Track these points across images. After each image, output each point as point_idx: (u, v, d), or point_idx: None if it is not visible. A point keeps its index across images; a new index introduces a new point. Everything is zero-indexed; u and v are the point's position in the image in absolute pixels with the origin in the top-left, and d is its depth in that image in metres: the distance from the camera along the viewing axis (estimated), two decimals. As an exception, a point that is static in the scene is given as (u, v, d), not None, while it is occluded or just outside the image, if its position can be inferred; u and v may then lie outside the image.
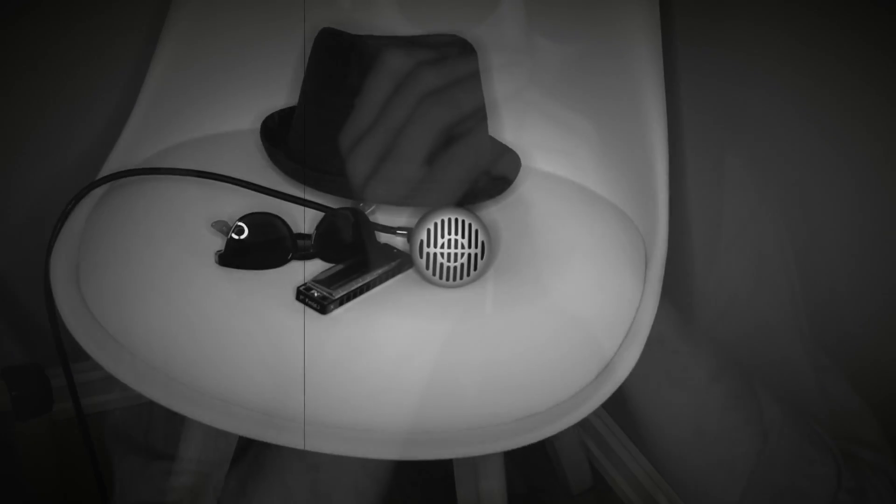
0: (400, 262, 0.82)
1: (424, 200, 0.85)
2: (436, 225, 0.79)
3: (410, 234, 0.81)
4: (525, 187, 0.94)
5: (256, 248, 0.81)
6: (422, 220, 0.80)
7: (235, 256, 0.80)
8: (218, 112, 1.00)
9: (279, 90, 1.00)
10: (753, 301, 0.89)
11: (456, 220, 0.79)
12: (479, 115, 0.88)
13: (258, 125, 0.96)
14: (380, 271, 0.81)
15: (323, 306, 0.76)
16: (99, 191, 0.88)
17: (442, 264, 0.79)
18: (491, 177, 0.89)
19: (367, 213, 0.86)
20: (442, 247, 0.79)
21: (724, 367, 0.83)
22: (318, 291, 0.77)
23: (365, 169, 0.83)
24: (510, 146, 0.97)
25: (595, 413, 0.80)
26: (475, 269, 0.79)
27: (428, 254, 0.79)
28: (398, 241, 0.86)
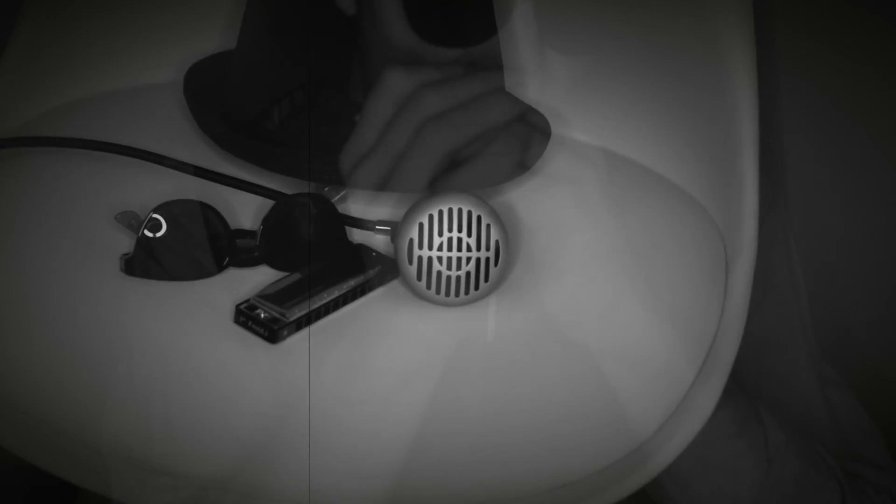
0: (380, 269, 0.82)
1: (415, 182, 0.84)
2: (431, 217, 0.79)
3: (396, 230, 0.81)
4: (556, 165, 0.93)
5: (178, 250, 0.80)
6: (412, 210, 0.80)
7: (149, 262, 0.80)
8: (124, 59, 0.99)
9: (210, 29, 1.00)
10: (760, 311, 0.98)
11: (459, 210, 0.79)
12: (492, 66, 0.88)
13: (181, 77, 0.95)
14: (352, 283, 0.81)
15: (272, 332, 0.76)
16: (-44, 170, 0.89)
17: (440, 273, 0.79)
18: (509, 149, 0.89)
19: (334, 200, 0.86)
20: (440, 248, 0.79)
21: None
22: (265, 311, 0.77)
23: (333, 138, 0.84)
24: (535, 107, 0.96)
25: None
26: (486, 279, 0.79)
27: (420, 258, 0.79)
28: (378, 241, 0.86)
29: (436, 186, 0.84)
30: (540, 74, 0.94)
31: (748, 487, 0.93)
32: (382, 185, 0.84)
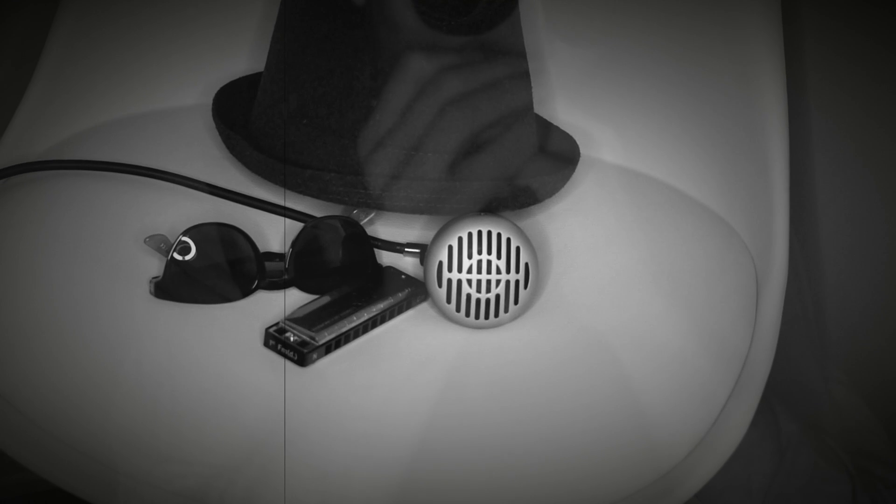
0: (409, 292, 0.83)
1: (444, 206, 0.85)
2: (460, 240, 0.79)
3: (425, 252, 0.81)
4: (585, 187, 0.94)
5: (208, 273, 0.81)
6: (441, 233, 0.80)
7: (178, 285, 0.80)
8: (152, 81, 1.00)
9: (238, 51, 1.01)
10: None
11: (489, 233, 0.79)
12: (521, 87, 0.89)
13: (209, 99, 0.96)
14: (381, 306, 0.81)
15: (302, 355, 0.77)
16: (-15, 193, 0.89)
17: (469, 296, 0.79)
18: (538, 172, 0.89)
19: (362, 223, 0.86)
20: (469, 271, 0.79)
21: None
22: (295, 335, 0.78)
23: (362, 161, 0.85)
24: (564, 129, 0.98)
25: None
26: (516, 302, 0.80)
27: (450, 281, 0.79)
28: (407, 263, 0.86)
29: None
30: (548, 62, 0.96)
31: (761, 477, 0.94)
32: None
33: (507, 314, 0.80)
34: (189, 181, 0.88)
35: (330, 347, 0.78)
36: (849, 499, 0.97)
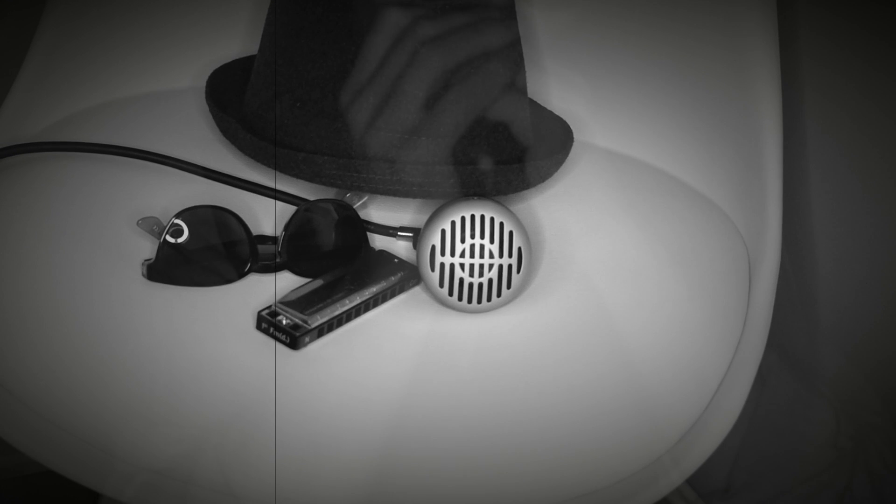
0: (402, 276, 0.83)
1: (438, 189, 0.85)
2: (453, 224, 0.79)
3: (418, 236, 0.81)
4: (579, 171, 0.95)
5: (201, 256, 0.81)
6: (433, 216, 0.80)
7: (171, 268, 0.80)
8: (146, 64, 1.00)
9: (232, 33, 1.01)
10: None
11: (482, 217, 0.79)
12: (514, 70, 0.89)
13: (203, 82, 0.95)
14: (374, 289, 0.81)
15: (294, 339, 0.77)
16: (-22, 174, 0.89)
17: (462, 280, 0.79)
18: (531, 156, 0.89)
19: (355, 206, 0.86)
20: (462, 255, 0.79)
21: None
22: (287, 318, 0.78)
23: (354, 144, 0.85)
24: (558, 114, 0.98)
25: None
26: (508, 286, 0.80)
27: (442, 265, 0.79)
28: (400, 247, 0.86)
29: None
30: (541, 48, 0.97)
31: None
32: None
33: (500, 298, 0.80)
34: (182, 164, 0.88)
35: (322, 331, 0.78)
36: (833, 425, 0.99)
